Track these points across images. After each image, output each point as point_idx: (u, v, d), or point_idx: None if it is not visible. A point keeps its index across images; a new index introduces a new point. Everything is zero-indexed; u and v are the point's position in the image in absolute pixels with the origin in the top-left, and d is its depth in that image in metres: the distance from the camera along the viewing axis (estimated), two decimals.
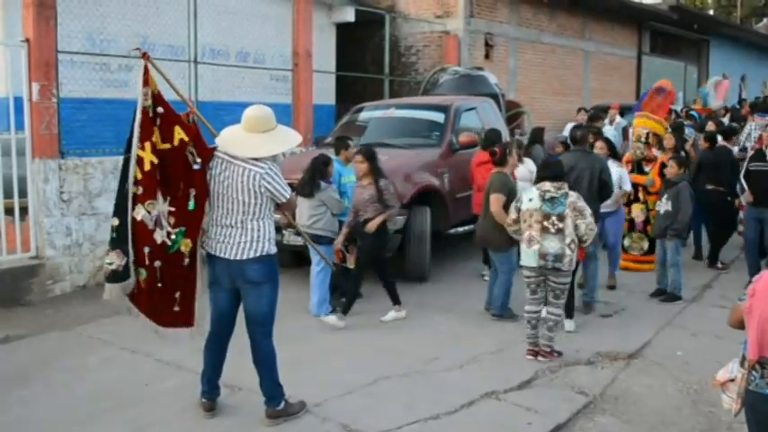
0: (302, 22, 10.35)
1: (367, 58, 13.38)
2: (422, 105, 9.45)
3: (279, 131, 4.30)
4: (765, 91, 23.12)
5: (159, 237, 4.11)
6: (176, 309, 4.28)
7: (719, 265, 8.63)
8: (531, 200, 5.47)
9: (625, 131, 11.61)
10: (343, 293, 6.48)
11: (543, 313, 5.53)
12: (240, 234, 4.17)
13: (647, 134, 8.47)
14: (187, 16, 8.76)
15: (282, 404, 4.38)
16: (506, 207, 6.08)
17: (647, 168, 8.31)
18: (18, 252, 6.99)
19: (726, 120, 13.44)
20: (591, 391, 4.91)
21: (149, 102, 4.06)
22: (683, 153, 8.66)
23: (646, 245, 8.31)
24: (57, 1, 7.15)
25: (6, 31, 7.95)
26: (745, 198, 7.89)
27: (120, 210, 4.07)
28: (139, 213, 4.05)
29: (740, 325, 3.13)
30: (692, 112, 13.86)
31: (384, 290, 6.49)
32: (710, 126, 10.68)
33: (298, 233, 6.12)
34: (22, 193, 6.99)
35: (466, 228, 8.14)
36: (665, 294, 7.21)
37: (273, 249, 4.26)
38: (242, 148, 4.14)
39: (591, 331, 6.19)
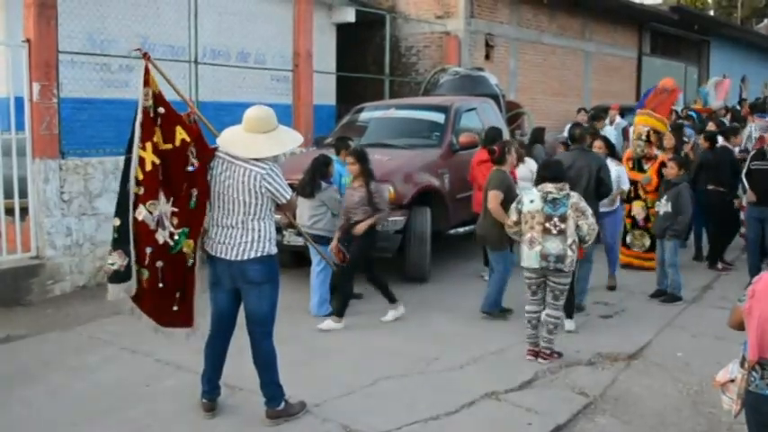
0: (303, 23, 10.36)
1: (367, 58, 13.39)
2: (422, 106, 9.45)
3: (280, 132, 4.30)
4: (766, 92, 23.12)
5: (161, 237, 4.11)
6: (175, 308, 4.28)
7: (720, 266, 8.63)
8: (532, 201, 5.46)
9: (625, 132, 11.63)
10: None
11: (542, 319, 5.53)
12: (241, 234, 4.17)
13: (648, 132, 8.48)
14: (188, 17, 8.77)
15: (283, 404, 4.38)
16: (505, 205, 6.09)
17: (646, 166, 8.32)
18: (18, 252, 6.99)
19: (727, 120, 13.45)
20: (591, 392, 4.91)
21: (150, 102, 4.06)
22: (682, 154, 8.67)
23: (648, 242, 8.33)
24: (57, 1, 7.15)
25: (7, 32, 7.95)
26: (747, 198, 7.90)
27: (122, 210, 4.07)
28: (141, 214, 4.05)
29: (740, 326, 3.13)
30: (691, 113, 13.86)
31: (378, 292, 6.47)
32: (711, 126, 10.69)
33: (299, 233, 6.12)
34: (23, 194, 6.99)
35: (466, 228, 8.14)
36: (666, 295, 7.21)
37: (274, 250, 4.27)
38: (243, 149, 4.14)
39: (591, 332, 6.19)
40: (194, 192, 4.15)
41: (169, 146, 4.10)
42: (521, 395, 4.86)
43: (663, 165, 7.86)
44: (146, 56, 4.10)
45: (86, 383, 5.00)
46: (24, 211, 7.06)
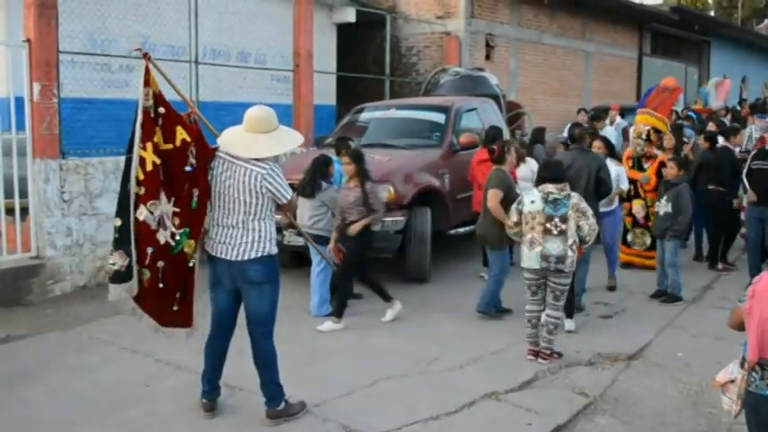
0: (303, 23, 10.35)
1: (368, 58, 13.39)
2: (423, 106, 9.45)
3: (280, 132, 4.30)
4: (766, 92, 23.12)
5: (162, 237, 4.11)
6: (176, 308, 4.29)
7: (720, 266, 8.63)
8: (533, 202, 5.46)
9: (625, 132, 11.63)
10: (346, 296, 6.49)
11: (542, 320, 5.53)
12: (241, 234, 4.18)
13: (649, 131, 8.48)
14: (188, 16, 8.76)
15: (283, 405, 4.38)
16: (504, 204, 6.09)
17: (646, 165, 8.32)
18: (19, 252, 7.00)
19: (727, 120, 13.45)
20: (591, 392, 4.91)
21: (151, 102, 4.06)
22: (681, 155, 8.67)
23: (648, 240, 8.33)
24: (58, 1, 7.15)
25: (8, 32, 7.95)
26: (748, 197, 7.89)
27: (123, 210, 4.06)
28: (142, 214, 4.05)
29: (740, 326, 3.13)
30: (690, 113, 13.86)
31: (372, 292, 6.47)
32: (711, 126, 10.68)
33: (299, 233, 6.12)
34: (23, 194, 6.99)
35: (466, 228, 8.14)
36: (666, 295, 7.21)
37: (275, 250, 4.27)
38: (244, 149, 4.15)
39: (591, 332, 6.19)
40: (195, 192, 4.15)
41: (170, 146, 4.10)
42: (521, 395, 4.86)
43: (662, 165, 7.86)
44: (146, 56, 4.10)
45: (86, 383, 5.00)
46: (25, 210, 7.06)
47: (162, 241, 4.11)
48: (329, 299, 6.57)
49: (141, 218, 4.05)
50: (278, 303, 4.36)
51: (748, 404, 3.08)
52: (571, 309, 6.12)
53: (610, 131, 11.31)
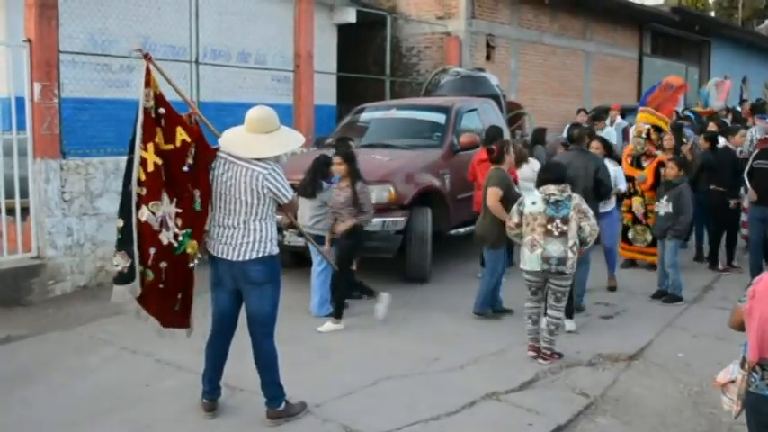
0: (303, 23, 10.36)
1: (368, 59, 13.39)
2: (423, 106, 9.46)
3: (281, 132, 4.31)
4: (766, 92, 23.11)
5: (165, 238, 4.11)
6: (177, 308, 4.30)
7: (720, 267, 8.62)
8: (534, 203, 5.45)
9: (626, 132, 11.62)
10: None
11: (543, 323, 5.53)
12: (242, 235, 4.18)
13: (649, 130, 8.49)
14: (189, 17, 8.77)
15: (283, 405, 4.38)
16: (504, 203, 6.09)
17: (645, 164, 8.33)
18: (19, 252, 7.00)
19: (728, 121, 13.43)
20: (592, 393, 4.91)
21: (151, 103, 4.05)
22: (681, 155, 8.67)
23: (649, 237, 8.35)
24: (58, 1, 7.15)
25: (8, 32, 7.95)
26: (749, 197, 7.89)
27: (125, 211, 4.06)
28: (144, 215, 4.05)
29: (741, 326, 3.13)
30: (689, 113, 13.84)
31: (369, 291, 6.46)
32: (712, 127, 10.67)
33: (300, 234, 6.13)
34: (24, 194, 7.00)
35: (467, 228, 8.14)
36: (666, 296, 7.21)
37: (275, 250, 4.27)
38: (245, 149, 4.15)
39: (592, 332, 6.19)
40: (197, 192, 4.15)
41: (170, 146, 4.10)
42: (521, 395, 4.86)
43: (661, 165, 7.87)
44: (147, 56, 4.10)
45: (87, 383, 5.00)
46: (25, 211, 7.06)
47: (165, 242, 4.11)
48: (330, 299, 6.57)
49: (143, 219, 4.05)
50: (279, 303, 4.36)
51: (748, 404, 3.08)
52: (571, 309, 6.12)
53: (610, 132, 11.31)
